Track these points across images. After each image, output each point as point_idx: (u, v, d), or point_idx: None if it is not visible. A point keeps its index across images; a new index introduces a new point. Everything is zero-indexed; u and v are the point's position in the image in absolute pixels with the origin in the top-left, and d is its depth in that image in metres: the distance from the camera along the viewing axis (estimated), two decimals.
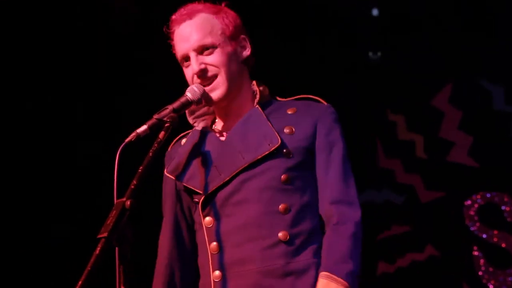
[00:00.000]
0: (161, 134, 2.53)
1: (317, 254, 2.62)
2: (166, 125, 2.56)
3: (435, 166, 5.99)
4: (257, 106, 2.78)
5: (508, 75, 5.89)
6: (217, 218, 2.67)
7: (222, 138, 2.79)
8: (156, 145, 2.49)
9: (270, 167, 2.65)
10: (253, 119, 2.74)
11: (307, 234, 2.64)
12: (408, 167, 6.04)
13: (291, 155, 2.66)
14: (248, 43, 2.82)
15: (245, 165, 2.65)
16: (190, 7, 2.79)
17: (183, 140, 2.87)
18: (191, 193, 2.75)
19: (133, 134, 2.53)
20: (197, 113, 2.87)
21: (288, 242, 2.59)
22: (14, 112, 5.34)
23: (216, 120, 2.88)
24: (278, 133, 2.68)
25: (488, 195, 5.90)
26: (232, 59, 2.75)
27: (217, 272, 2.65)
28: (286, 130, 2.70)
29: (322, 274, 2.54)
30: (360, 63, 6.03)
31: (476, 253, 5.83)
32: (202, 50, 2.73)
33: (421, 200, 5.98)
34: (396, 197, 6.03)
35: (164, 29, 2.83)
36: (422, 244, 5.91)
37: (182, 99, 2.67)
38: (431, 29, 5.88)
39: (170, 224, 2.84)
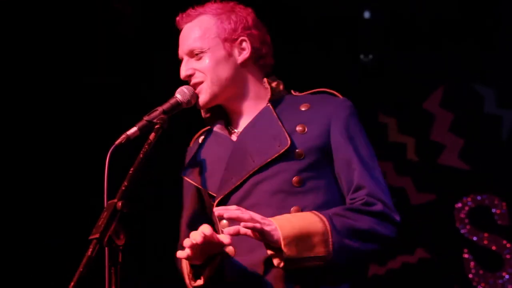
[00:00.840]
0: (152, 136, 2.53)
1: None
2: (156, 126, 2.56)
3: (426, 169, 6.00)
4: (268, 104, 2.74)
5: (499, 78, 5.90)
6: (232, 221, 2.62)
7: (234, 138, 2.76)
8: (146, 146, 2.49)
9: (281, 169, 2.61)
10: (263, 119, 2.71)
11: None
12: (399, 170, 6.05)
13: (303, 156, 2.62)
14: (249, 44, 2.76)
15: (256, 169, 2.62)
16: (197, 8, 2.80)
17: (201, 138, 2.87)
18: (209, 195, 2.74)
19: (123, 136, 2.53)
20: (213, 112, 2.85)
21: None
22: (13, 116, 5.35)
23: (231, 120, 2.85)
24: (289, 133, 2.63)
25: (479, 198, 5.91)
26: (222, 64, 2.73)
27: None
28: (299, 128, 2.65)
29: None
30: (352, 66, 6.03)
31: (466, 255, 5.84)
32: (192, 54, 2.74)
33: (412, 203, 5.99)
34: None
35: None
36: (412, 247, 5.92)
37: (172, 101, 2.68)
38: (423, 32, 5.89)
39: (186, 221, 2.85)
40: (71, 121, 5.43)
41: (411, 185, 6.01)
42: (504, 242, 5.81)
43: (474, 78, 5.94)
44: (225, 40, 2.74)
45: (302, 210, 2.56)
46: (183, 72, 2.73)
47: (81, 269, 2.12)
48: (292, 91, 2.84)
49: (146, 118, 2.58)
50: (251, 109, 2.77)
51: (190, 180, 2.76)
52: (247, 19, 2.79)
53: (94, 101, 5.45)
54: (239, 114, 2.79)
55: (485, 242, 5.84)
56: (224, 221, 2.65)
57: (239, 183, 2.64)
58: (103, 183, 2.40)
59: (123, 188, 2.33)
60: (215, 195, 2.68)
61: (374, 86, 6.06)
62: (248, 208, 2.57)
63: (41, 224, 5.33)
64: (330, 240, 2.40)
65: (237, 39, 2.76)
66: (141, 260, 2.82)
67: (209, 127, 2.86)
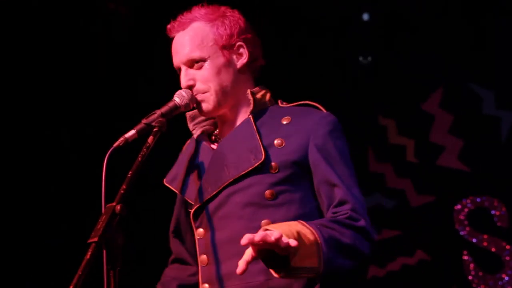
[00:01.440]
0: (150, 139, 2.51)
1: None
2: (155, 129, 2.54)
3: (425, 171, 6.00)
4: (249, 116, 2.71)
5: (498, 80, 5.90)
6: (207, 230, 2.64)
7: (215, 148, 2.75)
8: (145, 149, 2.46)
9: (254, 182, 2.59)
10: (243, 131, 2.68)
11: None
12: (399, 172, 6.05)
13: (277, 170, 2.58)
14: (246, 49, 2.73)
15: (230, 180, 2.61)
16: (187, 14, 2.74)
17: (186, 146, 2.87)
18: (187, 202, 2.74)
19: (121, 139, 2.51)
20: (198, 119, 2.82)
21: None
22: (12, 118, 5.35)
23: (217, 126, 2.84)
24: (265, 147, 2.60)
25: (478, 200, 5.91)
26: (223, 71, 2.69)
27: (205, 285, 2.64)
28: (276, 142, 2.61)
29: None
30: (351, 68, 6.03)
31: (466, 257, 5.84)
32: (191, 63, 2.70)
33: (411, 205, 5.99)
34: (386, 201, 6.04)
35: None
36: (412, 248, 5.92)
37: (170, 104, 2.65)
38: (422, 34, 5.89)
39: (172, 227, 2.87)
40: (69, 123, 5.43)
41: (410, 187, 6.01)
42: (504, 244, 5.81)
43: (473, 80, 5.93)
44: (223, 47, 2.71)
45: (272, 223, 2.51)
46: (184, 82, 2.69)
47: (80, 273, 2.11)
48: (279, 101, 2.80)
49: (144, 121, 2.57)
50: (237, 117, 2.75)
51: (171, 187, 2.76)
52: (239, 23, 2.75)
53: (92, 102, 5.44)
54: (225, 122, 2.78)
55: (485, 244, 5.83)
56: (200, 230, 2.66)
57: (214, 193, 2.63)
58: (101, 185, 2.39)
59: (122, 191, 2.31)
60: (193, 203, 2.68)
61: (373, 88, 6.06)
62: (220, 219, 2.61)
63: (41, 225, 5.34)
64: (322, 251, 2.36)
65: (234, 44, 2.72)
66: (140, 263, 2.82)
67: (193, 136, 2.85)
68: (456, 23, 5.81)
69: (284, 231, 2.30)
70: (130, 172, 2.38)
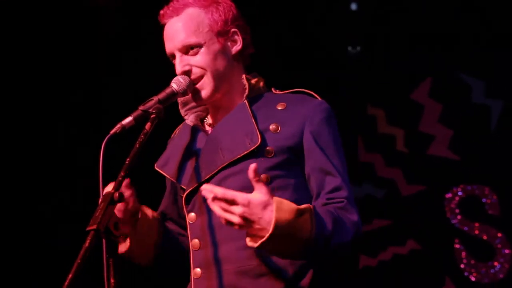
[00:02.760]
0: (147, 125, 2.49)
1: None
2: (152, 116, 2.52)
3: (415, 160, 6.00)
4: (245, 101, 2.71)
5: (488, 68, 5.90)
6: (199, 214, 2.63)
7: (209, 133, 2.74)
8: (142, 136, 2.45)
9: (249, 165, 2.55)
10: (238, 115, 2.68)
11: None
12: (389, 161, 6.05)
13: (273, 154, 2.58)
14: (240, 36, 2.73)
15: (225, 164, 2.60)
16: (179, 1, 2.72)
17: (177, 131, 2.86)
18: (179, 187, 2.72)
19: (118, 125, 2.50)
20: (190, 105, 2.82)
21: None
22: (7, 116, 5.33)
23: (209, 113, 2.83)
24: (261, 131, 2.60)
25: (469, 188, 5.92)
26: (219, 57, 2.68)
27: (197, 270, 2.61)
28: (272, 127, 2.61)
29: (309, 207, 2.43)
30: (340, 58, 6.01)
31: (457, 246, 5.84)
32: (187, 49, 2.68)
33: (402, 194, 5.98)
34: (377, 191, 6.03)
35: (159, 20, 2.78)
36: (403, 238, 5.92)
37: (168, 90, 2.63)
38: (410, 23, 5.88)
39: (159, 212, 2.85)
40: (62, 117, 5.42)
41: (401, 177, 6.00)
42: (495, 231, 5.82)
43: (462, 69, 5.94)
44: (218, 33, 2.70)
45: None
46: (180, 68, 2.67)
47: (79, 261, 2.08)
48: (273, 89, 2.80)
49: (141, 107, 2.55)
50: (231, 103, 2.74)
51: (163, 172, 2.75)
52: (232, 9, 2.75)
53: (83, 95, 5.44)
54: (219, 108, 2.77)
55: (476, 232, 5.84)
56: (192, 214, 2.64)
57: (208, 177, 2.61)
58: (98, 173, 2.37)
59: (120, 178, 2.30)
60: (185, 187, 2.66)
61: (362, 78, 6.05)
62: None
63: (40, 216, 5.35)
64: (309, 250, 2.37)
65: (229, 31, 2.72)
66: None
67: (185, 121, 2.84)
68: (445, 12, 5.80)
69: (280, 222, 2.29)
70: (127, 159, 2.36)
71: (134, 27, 5.40)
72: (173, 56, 2.72)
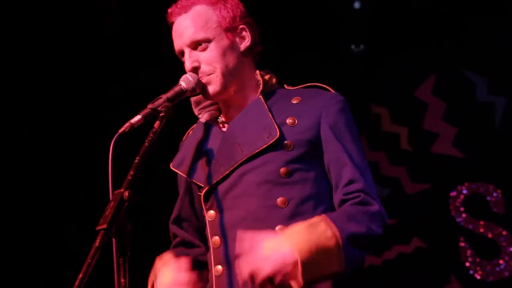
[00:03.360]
0: (156, 124, 2.48)
1: None
2: (161, 114, 2.51)
3: (420, 158, 5.99)
4: (259, 96, 2.71)
5: (491, 65, 5.89)
6: (218, 211, 2.62)
7: (224, 130, 2.74)
8: (151, 135, 2.44)
9: (269, 160, 2.58)
10: (254, 110, 2.68)
11: None
12: (393, 160, 6.03)
13: (291, 148, 2.59)
14: (249, 33, 2.73)
15: (244, 159, 2.60)
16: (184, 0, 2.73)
17: (191, 130, 2.85)
18: (196, 185, 2.71)
19: (127, 124, 2.48)
20: (203, 104, 2.82)
21: None
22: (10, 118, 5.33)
23: (221, 111, 2.83)
24: (278, 125, 2.61)
25: (474, 186, 5.90)
26: (228, 53, 2.68)
27: (219, 267, 2.60)
28: (289, 121, 2.62)
29: (320, 216, 2.45)
30: (343, 56, 6.00)
31: (462, 244, 5.83)
32: (195, 45, 2.67)
33: (406, 192, 5.97)
34: (381, 189, 6.00)
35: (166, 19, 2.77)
36: (408, 237, 5.90)
37: (176, 88, 2.62)
38: (414, 20, 5.87)
39: (174, 215, 2.85)
40: (66, 117, 5.42)
41: (405, 175, 5.99)
42: (500, 229, 5.80)
43: (466, 66, 5.92)
44: (227, 29, 2.70)
45: (288, 201, 2.54)
46: (189, 64, 2.66)
47: (89, 260, 2.07)
48: (285, 85, 2.81)
49: (150, 106, 2.53)
50: (244, 100, 2.74)
51: (179, 171, 2.74)
52: (239, 7, 2.77)
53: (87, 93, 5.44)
54: (231, 105, 2.76)
55: (481, 230, 5.82)
56: (211, 211, 2.64)
57: (227, 173, 2.61)
58: (107, 172, 2.35)
59: (129, 177, 2.28)
60: (202, 185, 2.66)
61: (365, 76, 6.04)
62: (234, 198, 2.59)
63: (45, 217, 5.34)
64: (343, 254, 2.36)
65: (237, 27, 2.72)
66: (148, 250, 2.79)
67: (199, 120, 2.83)
68: (448, 9, 5.79)
69: (300, 245, 2.32)
70: (137, 158, 2.35)
71: (137, 26, 5.40)
72: (182, 53, 2.71)
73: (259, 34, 2.80)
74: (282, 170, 2.56)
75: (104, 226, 2.12)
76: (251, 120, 2.66)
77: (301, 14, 5.76)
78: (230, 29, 2.70)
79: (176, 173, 2.80)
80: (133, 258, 2.18)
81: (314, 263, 2.33)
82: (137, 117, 2.50)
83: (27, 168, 5.39)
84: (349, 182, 2.55)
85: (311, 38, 5.84)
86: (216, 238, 2.61)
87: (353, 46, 6.02)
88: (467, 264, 5.79)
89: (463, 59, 5.94)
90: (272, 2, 5.61)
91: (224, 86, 2.68)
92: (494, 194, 5.85)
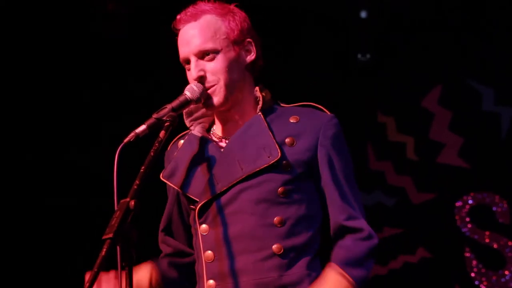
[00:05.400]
0: (162, 134, 2.48)
1: (311, 266, 2.59)
2: (166, 124, 2.51)
3: (426, 168, 5.98)
4: (259, 113, 2.70)
5: (498, 76, 5.89)
6: (212, 226, 2.61)
7: (222, 144, 2.73)
8: (157, 144, 2.44)
9: (268, 179, 2.59)
10: (254, 128, 2.67)
11: (302, 246, 2.59)
12: (399, 169, 6.03)
13: (289, 168, 2.59)
14: (254, 47, 2.72)
15: (243, 177, 2.59)
16: (197, 6, 2.71)
17: (181, 142, 2.81)
18: (188, 199, 2.70)
19: (132, 134, 2.47)
20: (195, 115, 2.80)
21: (282, 255, 2.55)
22: (13, 119, 5.35)
23: (215, 125, 2.81)
24: (279, 144, 2.61)
25: (479, 196, 5.90)
26: (233, 66, 2.67)
27: (211, 282, 2.60)
28: (287, 141, 2.62)
29: (335, 269, 2.53)
30: (350, 65, 6.01)
31: (468, 254, 5.82)
32: (202, 55, 2.66)
33: (412, 202, 5.96)
34: (387, 199, 6.01)
35: (171, 26, 2.76)
36: (414, 246, 5.90)
37: (181, 98, 2.61)
38: (420, 30, 5.87)
39: (162, 226, 2.85)
40: (75, 124, 5.43)
41: (411, 185, 5.99)
42: (506, 240, 5.80)
43: (472, 76, 5.92)
44: (234, 41, 2.69)
45: (284, 221, 2.57)
46: (195, 73, 2.65)
47: (96, 270, 2.07)
48: (280, 102, 2.80)
49: (155, 115, 2.53)
50: (242, 115, 2.73)
51: (170, 183, 2.73)
52: (246, 20, 2.75)
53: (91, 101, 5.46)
54: (229, 119, 2.75)
55: (487, 240, 5.82)
56: (205, 225, 2.63)
57: (224, 189, 2.61)
58: (112, 182, 2.36)
59: (135, 187, 2.29)
60: (197, 199, 2.65)
61: (372, 86, 6.04)
62: (230, 215, 2.59)
63: (49, 226, 5.35)
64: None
65: (244, 40, 2.71)
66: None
67: (187, 131, 2.82)
68: (456, 20, 5.80)
69: None
70: (142, 167, 2.35)
71: (144, 33, 5.41)
72: (187, 61, 2.70)
73: (261, 47, 2.79)
74: (280, 190, 2.57)
75: (111, 235, 2.13)
76: (251, 137, 2.65)
77: (307, 23, 5.77)
78: (238, 42, 2.69)
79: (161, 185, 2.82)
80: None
81: None
82: (142, 127, 2.49)
83: (32, 180, 5.40)
84: (349, 218, 2.61)
85: (318, 47, 5.84)
86: (209, 252, 2.61)
87: (359, 56, 6.01)
88: (473, 274, 5.78)
89: (469, 69, 5.94)
90: (278, 11, 5.62)
91: (227, 98, 2.67)
92: (500, 205, 5.84)
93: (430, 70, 5.97)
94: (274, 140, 2.61)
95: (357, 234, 2.59)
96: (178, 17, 2.73)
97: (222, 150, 2.69)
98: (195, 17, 2.69)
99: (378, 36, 5.96)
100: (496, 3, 5.77)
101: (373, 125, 6.07)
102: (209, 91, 2.66)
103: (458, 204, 5.90)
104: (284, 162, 2.59)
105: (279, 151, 2.59)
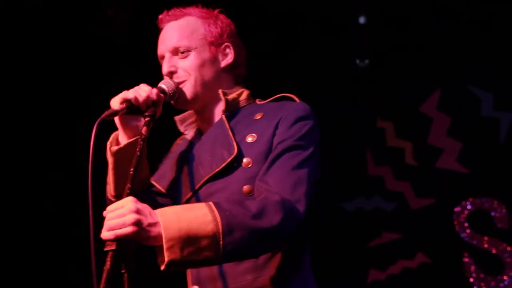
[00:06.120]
0: (144, 130, 2.45)
1: (286, 266, 2.51)
2: (146, 119, 2.49)
3: (424, 173, 5.98)
4: (222, 115, 2.69)
5: (496, 81, 5.89)
6: None
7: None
8: (141, 142, 2.41)
9: (231, 179, 2.54)
10: (216, 131, 2.67)
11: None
12: (398, 174, 6.03)
13: (250, 165, 2.53)
14: (232, 51, 2.75)
15: (205, 179, 2.58)
16: (182, 8, 2.77)
17: (179, 142, 2.85)
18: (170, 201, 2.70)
19: (110, 110, 2.45)
20: (189, 121, 2.83)
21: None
22: (11, 118, 5.36)
23: None
24: (238, 143, 2.57)
25: (478, 201, 5.90)
26: (206, 65, 2.70)
27: (194, 287, 2.59)
28: (249, 139, 2.57)
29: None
30: (348, 71, 6.01)
31: (466, 259, 5.82)
32: (176, 51, 2.70)
33: (411, 207, 5.97)
34: (386, 204, 6.02)
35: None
36: (413, 251, 5.90)
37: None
38: (419, 36, 5.88)
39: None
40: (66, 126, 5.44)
41: (410, 190, 5.99)
42: (505, 245, 5.80)
43: (471, 81, 5.93)
44: (211, 43, 2.73)
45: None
46: (166, 68, 2.68)
47: (103, 285, 2.05)
48: (257, 100, 2.78)
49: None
50: (213, 116, 2.74)
51: (157, 185, 2.73)
52: (230, 27, 2.80)
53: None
54: (204, 120, 2.77)
55: (485, 245, 5.82)
56: None
57: (190, 195, 2.60)
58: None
59: (128, 190, 2.26)
60: (174, 203, 2.65)
61: (371, 91, 6.05)
62: None
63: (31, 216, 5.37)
64: (221, 243, 2.25)
65: (222, 44, 2.75)
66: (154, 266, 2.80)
67: (185, 136, 2.84)
68: (453, 25, 5.80)
69: (168, 222, 2.21)
70: (131, 169, 2.30)
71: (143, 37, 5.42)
72: (162, 56, 2.74)
73: (245, 58, 2.82)
74: (245, 188, 2.51)
75: (113, 247, 2.11)
76: (214, 140, 2.63)
77: (306, 29, 5.77)
78: (215, 44, 2.73)
79: None
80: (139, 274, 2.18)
81: (182, 245, 2.21)
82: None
83: (35, 185, 5.42)
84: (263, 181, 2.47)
85: (317, 53, 5.85)
86: None
87: (358, 61, 6.02)
88: (471, 279, 5.78)
89: (468, 75, 5.94)
90: (277, 17, 5.63)
91: (195, 96, 2.68)
92: (499, 210, 5.84)
93: (429, 76, 5.97)
94: (232, 139, 2.58)
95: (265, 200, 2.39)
96: (160, 16, 2.78)
97: (191, 153, 2.70)
98: (176, 17, 2.75)
99: (377, 41, 5.96)
100: (495, 9, 5.77)
101: (371, 130, 6.08)
102: (179, 87, 2.68)
103: (457, 209, 5.91)
104: (244, 160, 2.54)
105: (235, 148, 2.55)
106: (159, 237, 2.19)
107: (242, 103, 2.76)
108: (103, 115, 2.39)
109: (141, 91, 2.52)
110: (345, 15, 5.91)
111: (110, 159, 2.54)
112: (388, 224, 5.97)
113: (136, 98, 2.49)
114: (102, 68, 5.46)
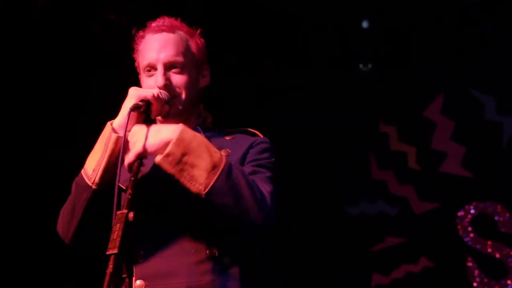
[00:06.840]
0: None
1: (245, 270, 2.59)
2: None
3: (428, 177, 5.98)
4: (198, 127, 2.79)
5: (499, 85, 5.89)
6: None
7: None
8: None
9: None
10: None
11: (236, 251, 2.60)
12: (401, 179, 6.03)
13: None
14: (209, 73, 2.88)
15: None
16: (171, 21, 2.82)
17: None
18: None
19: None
20: None
21: (216, 258, 2.54)
22: (11, 118, 5.38)
23: None
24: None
25: (481, 206, 5.89)
26: (193, 84, 2.78)
27: (138, 282, 2.53)
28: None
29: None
30: (351, 75, 6.01)
31: (470, 264, 5.81)
32: (171, 66, 2.74)
33: (414, 211, 5.96)
34: (389, 208, 6.01)
35: (132, 31, 2.85)
36: (416, 256, 5.89)
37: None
38: (422, 40, 5.88)
39: None
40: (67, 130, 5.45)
41: (413, 194, 5.98)
42: (508, 249, 5.79)
43: (474, 86, 5.92)
44: (197, 63, 2.82)
45: None
46: (162, 81, 2.71)
47: None
48: (218, 128, 2.90)
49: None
50: None
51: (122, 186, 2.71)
52: (205, 48, 2.89)
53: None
54: None
55: (489, 250, 5.81)
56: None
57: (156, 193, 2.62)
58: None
59: (130, 197, 2.28)
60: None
61: (374, 95, 6.05)
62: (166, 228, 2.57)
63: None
64: (215, 178, 2.41)
65: (203, 65, 2.86)
66: None
67: None
68: (456, 29, 5.80)
69: (184, 133, 2.43)
70: (132, 177, 2.34)
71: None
72: (151, 68, 2.76)
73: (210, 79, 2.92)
74: None
75: (115, 250, 2.11)
76: None
77: (309, 34, 5.78)
78: (199, 64, 2.83)
79: None
80: None
81: (186, 150, 2.40)
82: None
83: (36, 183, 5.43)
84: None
85: (320, 57, 5.85)
86: (140, 252, 2.57)
87: (361, 65, 6.03)
88: (475, 284, 5.77)
89: (471, 79, 5.94)
90: (280, 22, 5.63)
91: (181, 112, 2.75)
92: (502, 214, 5.84)
93: (433, 80, 5.97)
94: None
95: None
96: (153, 24, 2.81)
97: None
98: (170, 29, 2.79)
99: (380, 46, 5.96)
100: (497, 14, 5.77)
101: (375, 134, 6.08)
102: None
103: (460, 213, 5.90)
104: None
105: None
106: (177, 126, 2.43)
107: (209, 125, 2.90)
108: (132, 106, 2.47)
109: (162, 95, 2.63)
110: (348, 20, 5.91)
111: (111, 145, 2.54)
112: (391, 228, 5.96)
113: (154, 98, 2.56)
114: (102, 68, 5.48)
